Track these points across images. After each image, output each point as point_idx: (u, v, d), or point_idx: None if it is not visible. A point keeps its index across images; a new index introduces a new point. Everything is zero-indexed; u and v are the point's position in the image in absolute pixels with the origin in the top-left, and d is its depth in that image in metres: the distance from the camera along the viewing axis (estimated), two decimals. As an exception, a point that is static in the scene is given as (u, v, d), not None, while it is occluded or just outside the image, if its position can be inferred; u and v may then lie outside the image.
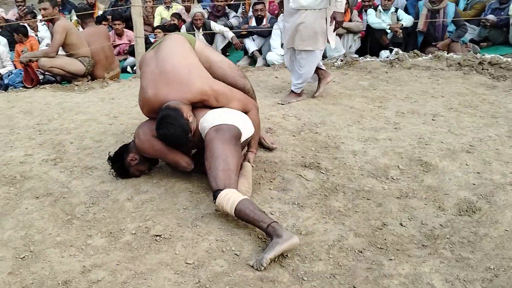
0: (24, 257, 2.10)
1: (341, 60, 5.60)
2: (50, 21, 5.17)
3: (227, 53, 7.33)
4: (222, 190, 2.29)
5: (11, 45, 6.75)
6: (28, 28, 6.69)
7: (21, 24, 6.58)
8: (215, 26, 6.84)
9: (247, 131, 2.67)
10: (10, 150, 3.27)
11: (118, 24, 6.95)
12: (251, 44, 6.74)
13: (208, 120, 2.59)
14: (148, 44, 7.08)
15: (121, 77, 5.78)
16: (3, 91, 5.04)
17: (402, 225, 2.34)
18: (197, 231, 2.28)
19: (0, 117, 3.98)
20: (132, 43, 6.71)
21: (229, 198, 2.24)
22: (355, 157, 3.06)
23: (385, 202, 2.54)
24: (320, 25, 3.81)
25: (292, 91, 4.15)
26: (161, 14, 8.26)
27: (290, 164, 2.93)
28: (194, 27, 6.79)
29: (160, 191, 2.66)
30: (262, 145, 3.12)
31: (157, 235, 2.25)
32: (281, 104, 4.04)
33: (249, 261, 2.06)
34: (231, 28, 7.01)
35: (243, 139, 2.61)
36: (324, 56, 6.36)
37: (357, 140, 3.31)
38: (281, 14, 6.14)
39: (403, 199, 2.57)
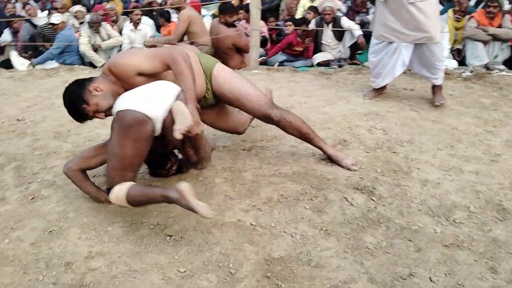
0: (50, 231, 2.31)
1: (471, 71, 4.87)
2: (177, 9, 5.53)
3: (360, 52, 6.96)
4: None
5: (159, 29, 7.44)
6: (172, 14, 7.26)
7: (165, 10, 7.18)
8: (345, 22, 6.54)
9: (162, 111, 2.21)
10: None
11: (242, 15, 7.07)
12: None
13: (117, 102, 2.28)
14: (280, 37, 7.17)
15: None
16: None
17: (431, 280, 1.95)
18: (207, 238, 2.23)
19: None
20: (262, 34, 6.82)
21: (118, 193, 2.15)
22: (423, 188, 2.64)
23: (427, 248, 2.14)
24: None
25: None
26: (304, 6, 8.20)
27: (341, 184, 2.67)
28: (323, 21, 6.60)
29: (200, 190, 2.66)
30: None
31: (169, 235, 2.26)
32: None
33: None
34: (366, 25, 6.62)
35: (157, 124, 2.22)
36: (463, 64, 5.63)
37: (437, 168, 2.85)
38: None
39: (452, 248, 2.13)
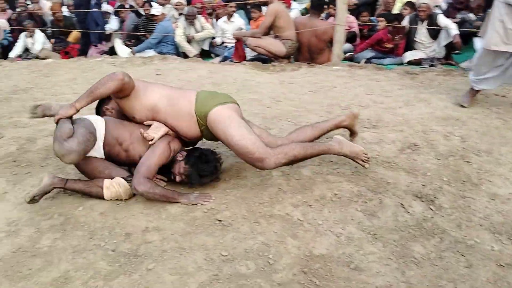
0: (118, 204, 2.55)
1: None
2: (265, 3, 5.64)
3: (458, 52, 6.54)
4: None
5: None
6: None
7: (256, 2, 7.33)
8: (442, 19, 6.18)
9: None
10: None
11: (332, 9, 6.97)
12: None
13: None
14: (372, 32, 6.96)
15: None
16: (214, 63, 5.83)
17: (475, 300, 1.84)
18: (254, 227, 2.31)
19: (195, 84, 4.67)
20: (351, 29, 6.70)
21: None
22: (490, 202, 2.47)
23: (479, 266, 2.02)
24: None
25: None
26: (402, 1, 7.88)
27: (401, 189, 2.59)
28: (418, 18, 6.30)
29: (256, 180, 2.74)
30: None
31: (219, 220, 2.37)
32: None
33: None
34: (466, 23, 6.21)
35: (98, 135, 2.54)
36: None
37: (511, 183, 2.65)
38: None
39: (506, 269, 1.99)
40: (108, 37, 7.70)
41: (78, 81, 5.08)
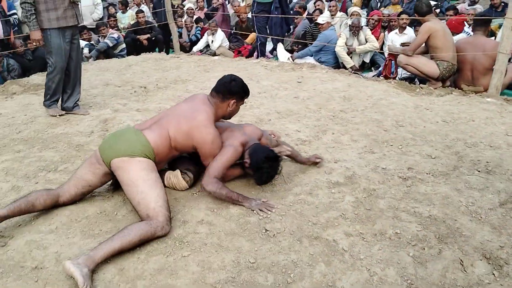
0: (193, 194, 2.83)
1: None
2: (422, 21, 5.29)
3: None
4: None
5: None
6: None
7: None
8: None
9: None
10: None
11: None
12: None
13: None
14: None
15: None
16: (362, 76, 5.72)
17: None
18: (293, 245, 2.32)
19: (325, 96, 4.72)
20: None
21: None
22: None
23: None
24: None
25: None
26: None
27: (472, 245, 2.27)
28: None
29: (325, 200, 2.72)
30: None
31: (266, 230, 2.45)
32: None
33: None
34: None
35: None
36: None
37: None
38: None
39: None
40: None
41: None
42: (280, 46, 7.39)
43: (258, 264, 2.20)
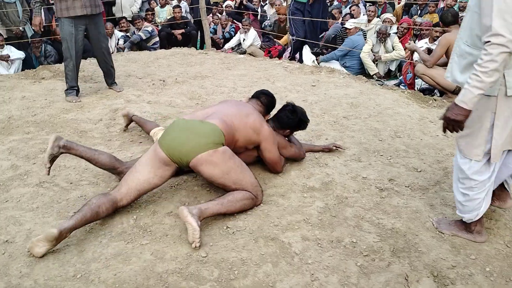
0: (171, 187, 2.96)
1: None
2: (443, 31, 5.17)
3: None
4: None
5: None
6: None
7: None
8: None
9: None
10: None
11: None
12: None
13: None
14: None
15: None
16: (379, 84, 5.65)
17: None
18: (248, 243, 2.39)
19: (331, 101, 4.72)
20: None
21: None
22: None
23: None
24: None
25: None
26: None
27: (423, 262, 2.26)
28: None
29: (295, 204, 2.77)
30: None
31: (228, 227, 2.53)
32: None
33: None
34: None
35: None
36: None
37: None
38: None
39: None
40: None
41: (245, 78, 5.70)
42: (306, 48, 7.40)
43: (209, 259, 2.29)
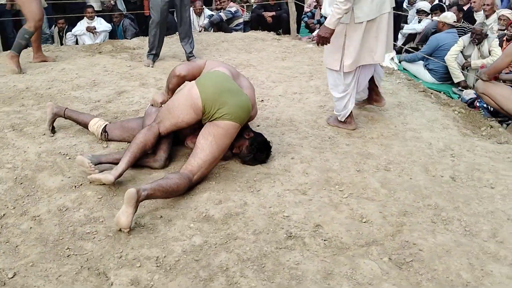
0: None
1: None
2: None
3: None
4: None
5: None
6: None
7: None
8: None
9: None
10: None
11: None
12: None
13: None
14: None
15: None
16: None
17: None
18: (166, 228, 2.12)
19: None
20: None
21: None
22: None
23: None
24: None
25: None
26: None
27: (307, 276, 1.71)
28: None
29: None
30: None
31: (161, 216, 2.42)
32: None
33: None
34: None
35: None
36: None
37: None
38: None
39: None
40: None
41: (285, 72, 5.19)
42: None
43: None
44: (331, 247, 2.31)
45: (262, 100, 4.27)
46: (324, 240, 2.36)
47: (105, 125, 3.24)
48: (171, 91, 3.11)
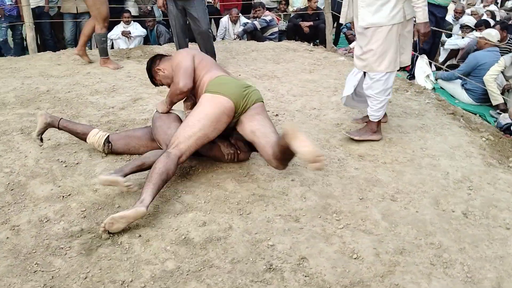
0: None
1: None
2: None
3: None
4: None
5: None
6: None
7: None
8: None
9: None
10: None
11: None
12: None
13: None
14: None
15: None
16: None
17: None
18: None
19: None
20: None
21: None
22: None
23: None
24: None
25: None
26: None
27: None
28: None
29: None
30: None
31: (178, 201, 2.23)
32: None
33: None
34: None
35: None
36: None
37: None
38: None
39: None
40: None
41: (308, 85, 5.00)
42: (422, 59, 6.09)
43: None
44: (311, 284, 2.12)
45: (277, 115, 4.11)
46: (306, 276, 2.17)
47: (108, 136, 3.16)
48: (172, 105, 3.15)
